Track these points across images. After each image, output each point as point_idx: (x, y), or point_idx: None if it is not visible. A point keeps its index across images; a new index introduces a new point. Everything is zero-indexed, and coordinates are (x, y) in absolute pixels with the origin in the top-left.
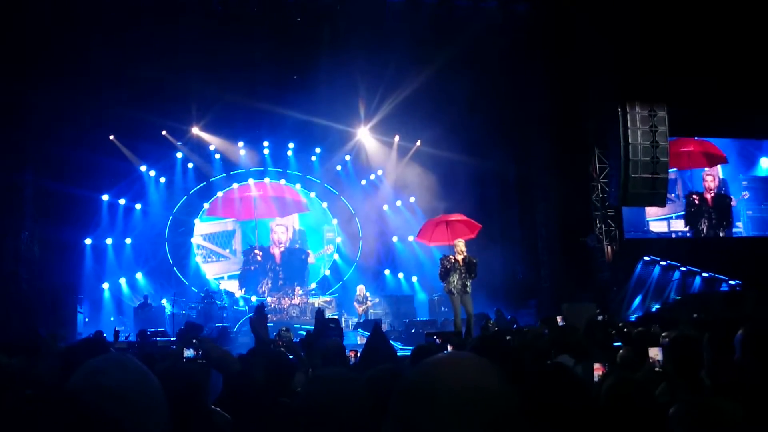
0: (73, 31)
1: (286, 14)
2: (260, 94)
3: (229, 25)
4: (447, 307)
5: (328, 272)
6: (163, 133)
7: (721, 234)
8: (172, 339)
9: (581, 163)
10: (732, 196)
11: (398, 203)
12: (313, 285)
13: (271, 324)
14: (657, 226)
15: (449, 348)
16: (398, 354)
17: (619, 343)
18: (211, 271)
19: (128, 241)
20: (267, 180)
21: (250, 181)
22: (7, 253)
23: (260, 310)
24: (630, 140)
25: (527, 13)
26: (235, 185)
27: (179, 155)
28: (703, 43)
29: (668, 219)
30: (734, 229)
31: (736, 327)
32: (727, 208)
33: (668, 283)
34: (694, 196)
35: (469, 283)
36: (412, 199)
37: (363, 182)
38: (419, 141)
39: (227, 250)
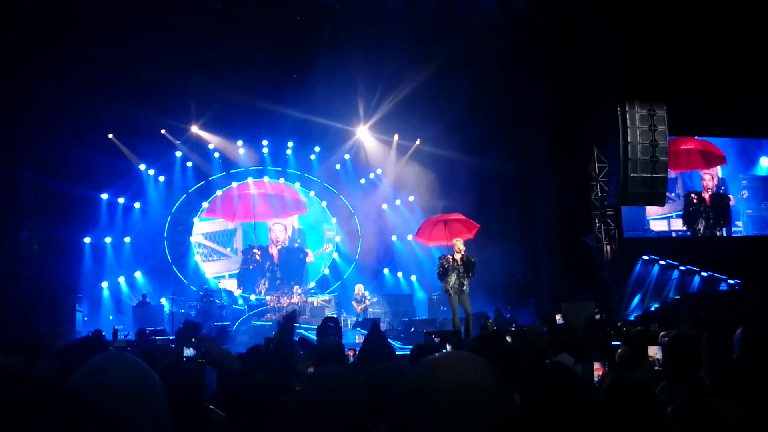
0: (72, 29)
1: (285, 13)
2: (259, 93)
3: (229, 24)
4: (446, 306)
5: (327, 271)
6: (162, 131)
7: (718, 233)
8: (171, 338)
9: (580, 162)
10: (730, 196)
11: (397, 202)
12: (312, 284)
13: (270, 323)
14: (657, 225)
15: (448, 347)
16: (397, 353)
17: (618, 343)
18: (211, 269)
19: (127, 239)
20: (266, 179)
21: (249, 179)
22: (6, 252)
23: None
24: (629, 139)
25: (526, 12)
26: (234, 184)
27: (178, 154)
28: (703, 42)
29: (668, 218)
30: (734, 228)
31: (735, 326)
32: (725, 207)
33: (667, 282)
34: (692, 196)
35: (466, 283)
36: (411, 198)
37: (362, 181)
38: (418, 140)
39: (228, 249)
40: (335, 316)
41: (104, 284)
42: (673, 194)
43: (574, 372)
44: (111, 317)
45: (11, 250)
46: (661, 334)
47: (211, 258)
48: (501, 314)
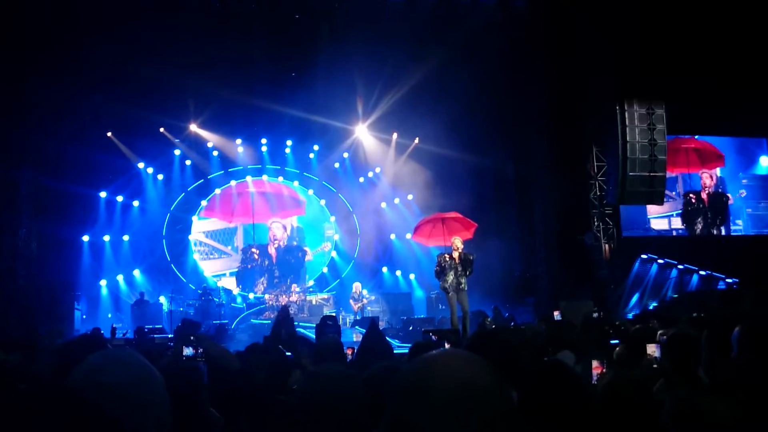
0: (71, 28)
1: (284, 12)
2: (258, 91)
3: (228, 22)
4: (444, 305)
5: (325, 270)
6: (161, 130)
7: (715, 232)
8: (169, 336)
9: (579, 161)
10: (729, 194)
11: (396, 201)
12: (311, 282)
13: (268, 322)
14: (658, 224)
15: (446, 346)
16: (395, 352)
17: (617, 341)
18: (212, 268)
19: (126, 238)
20: (265, 177)
21: (248, 178)
22: (5, 250)
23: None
24: (628, 138)
25: (526, 11)
26: (233, 182)
27: (177, 152)
28: (702, 41)
29: (669, 217)
30: (734, 227)
31: (734, 325)
32: (723, 206)
33: (665, 281)
34: (691, 196)
35: (464, 281)
36: (410, 197)
37: (361, 180)
38: (417, 138)
39: (229, 247)
40: (334, 314)
41: (103, 282)
42: (673, 193)
43: (573, 370)
44: (109, 315)
45: (10, 248)
46: (659, 332)
47: (212, 256)
48: (499, 313)
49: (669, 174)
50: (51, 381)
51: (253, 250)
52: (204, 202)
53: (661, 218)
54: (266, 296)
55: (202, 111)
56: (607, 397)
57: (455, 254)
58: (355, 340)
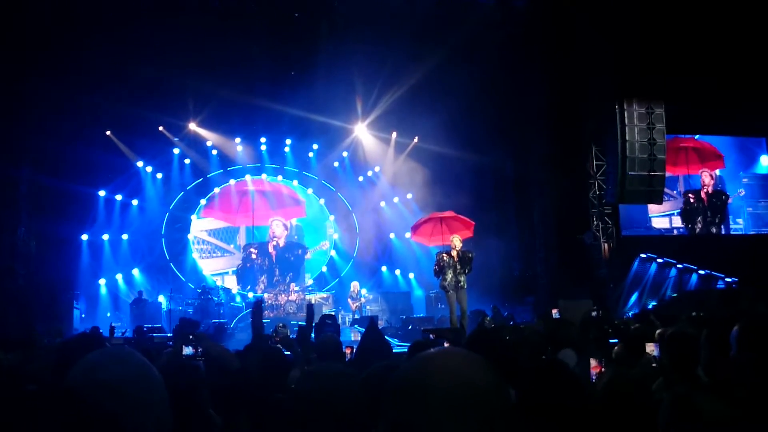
0: (70, 27)
1: (283, 10)
2: (257, 90)
3: (227, 20)
4: (444, 304)
5: (325, 269)
6: (160, 128)
7: (714, 230)
8: (168, 335)
9: (578, 160)
10: (727, 193)
11: (395, 200)
12: (310, 281)
13: (267, 320)
14: (659, 223)
15: (445, 345)
16: (394, 351)
17: (616, 340)
18: (214, 266)
19: (125, 237)
20: (264, 176)
21: (247, 177)
22: (4, 249)
23: (257, 305)
24: (627, 137)
25: (525, 10)
26: (232, 181)
27: (176, 151)
28: (701, 40)
29: (670, 215)
30: (735, 226)
31: (733, 324)
32: (722, 204)
33: (665, 280)
34: (690, 195)
35: (463, 279)
36: (409, 196)
37: (360, 179)
38: (417, 137)
39: (231, 246)
40: (333, 313)
41: (102, 281)
42: (674, 192)
43: (570, 369)
44: (108, 314)
45: (9, 246)
46: (658, 332)
47: (214, 254)
48: (499, 312)
49: (670, 174)
50: (50, 380)
51: (252, 249)
52: (203, 201)
53: (662, 217)
54: (265, 295)
55: (202, 110)
56: (606, 395)
57: (454, 253)
58: (353, 339)
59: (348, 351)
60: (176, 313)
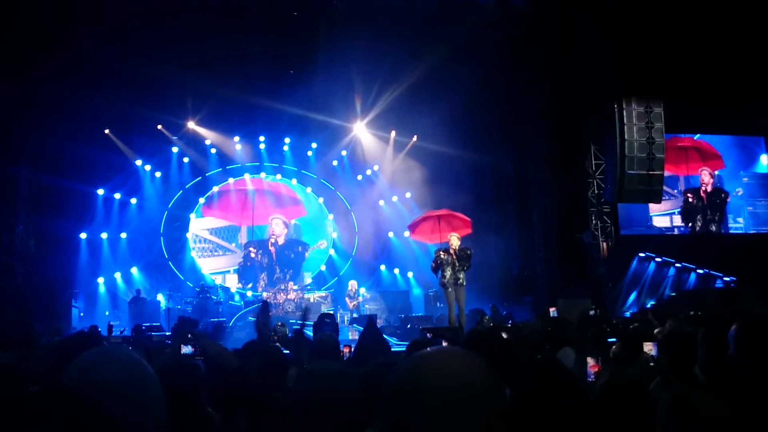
0: (69, 26)
1: (282, 9)
2: (256, 89)
3: (226, 19)
4: (442, 303)
5: (323, 267)
6: (159, 127)
7: (714, 228)
8: (167, 334)
9: (577, 159)
10: (726, 191)
11: (394, 198)
12: (309, 280)
13: None
14: (660, 222)
15: (444, 344)
16: (393, 350)
17: (614, 339)
18: (215, 265)
19: (123, 235)
20: (263, 175)
21: (246, 176)
22: (2, 248)
23: (264, 306)
24: (626, 136)
25: (525, 9)
26: (231, 180)
27: (175, 150)
28: (700, 39)
29: (671, 214)
30: (736, 225)
31: (731, 323)
32: (721, 202)
33: (663, 279)
34: (689, 194)
35: (462, 276)
36: (408, 195)
37: (359, 177)
38: (416, 136)
39: (233, 244)
40: (331, 312)
41: (100, 280)
42: (675, 191)
43: (567, 368)
44: (107, 313)
45: (7, 245)
46: (656, 331)
47: (216, 253)
48: (497, 311)
49: (671, 173)
50: (48, 379)
51: (251, 248)
52: (202, 200)
53: (663, 216)
54: (264, 294)
55: (200, 108)
56: (604, 395)
57: (452, 250)
58: (351, 338)
59: (346, 350)
60: (175, 311)
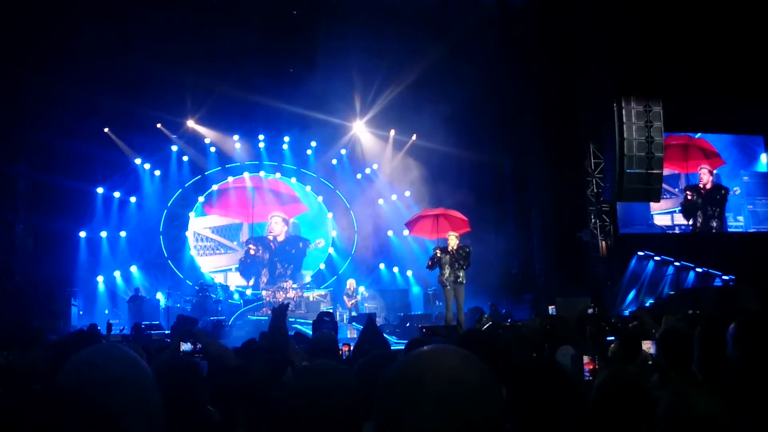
0: (68, 23)
1: (282, 7)
2: (256, 87)
3: (225, 17)
4: (442, 301)
5: (323, 266)
6: (158, 125)
7: (715, 224)
8: (166, 332)
9: (576, 158)
10: (727, 187)
11: (393, 197)
12: (308, 278)
13: (265, 318)
14: (661, 220)
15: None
16: (392, 348)
17: (613, 338)
18: (217, 263)
19: (123, 234)
20: (262, 173)
21: (246, 174)
22: (1, 247)
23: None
24: (625, 135)
25: (524, 7)
26: (230, 178)
27: (174, 148)
28: (700, 38)
29: (672, 213)
30: (736, 223)
31: (727, 322)
32: (721, 198)
33: (662, 278)
34: (688, 192)
35: (461, 274)
36: (407, 193)
37: (358, 176)
38: (415, 135)
39: (235, 242)
40: (331, 311)
41: (99, 278)
42: (676, 189)
43: (563, 367)
44: (106, 311)
45: (6, 244)
46: (653, 331)
47: (217, 251)
48: (496, 310)
49: (671, 172)
50: (43, 377)
51: (252, 245)
52: (201, 198)
53: (664, 214)
54: (263, 292)
55: (200, 107)
56: (600, 393)
57: (449, 248)
58: (350, 336)
59: (345, 348)
60: (174, 310)
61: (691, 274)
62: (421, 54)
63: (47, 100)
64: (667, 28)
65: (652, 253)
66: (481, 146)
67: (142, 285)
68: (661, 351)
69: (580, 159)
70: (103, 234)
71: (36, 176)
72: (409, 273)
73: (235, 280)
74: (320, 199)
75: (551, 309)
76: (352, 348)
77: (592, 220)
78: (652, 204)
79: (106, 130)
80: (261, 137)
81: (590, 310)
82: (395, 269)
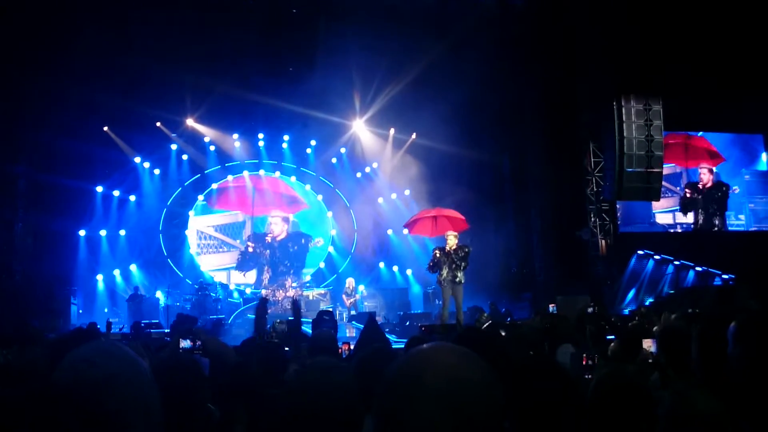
0: (67, 21)
1: (281, 6)
2: (255, 86)
3: (225, 16)
4: (441, 300)
5: (322, 264)
6: (158, 124)
7: (717, 222)
8: (166, 331)
9: (576, 156)
10: (728, 184)
11: (393, 196)
12: (308, 277)
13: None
14: (662, 218)
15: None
16: (392, 346)
17: (613, 336)
18: (220, 261)
19: (122, 232)
20: (262, 172)
21: (245, 173)
22: (1, 245)
23: (262, 303)
24: (625, 134)
25: (524, 7)
26: (230, 177)
27: (174, 147)
28: (700, 37)
29: (673, 211)
30: (737, 222)
31: (726, 320)
32: (722, 195)
33: (662, 276)
34: (687, 190)
35: (460, 274)
36: (407, 192)
37: (358, 175)
38: (414, 134)
39: (237, 241)
40: (330, 309)
41: (99, 277)
42: (678, 188)
43: (561, 365)
44: (106, 310)
45: (6, 242)
46: (655, 328)
47: (220, 250)
48: (496, 309)
49: (672, 170)
50: (41, 375)
51: (249, 243)
52: (201, 197)
53: (666, 213)
54: (263, 291)
55: (199, 105)
56: (598, 391)
57: (448, 248)
58: (349, 335)
59: (345, 347)
60: (174, 308)
61: (691, 273)
62: (421, 53)
63: (47, 99)
64: (667, 27)
65: (652, 252)
66: (480, 145)
67: (141, 284)
68: (661, 349)
69: (580, 158)
70: (103, 233)
71: (35, 175)
72: (409, 272)
73: (237, 278)
74: (320, 197)
75: (552, 307)
76: (351, 347)
77: (592, 219)
78: (653, 202)
79: (105, 128)
80: (261, 136)
81: (590, 309)
82: (395, 268)
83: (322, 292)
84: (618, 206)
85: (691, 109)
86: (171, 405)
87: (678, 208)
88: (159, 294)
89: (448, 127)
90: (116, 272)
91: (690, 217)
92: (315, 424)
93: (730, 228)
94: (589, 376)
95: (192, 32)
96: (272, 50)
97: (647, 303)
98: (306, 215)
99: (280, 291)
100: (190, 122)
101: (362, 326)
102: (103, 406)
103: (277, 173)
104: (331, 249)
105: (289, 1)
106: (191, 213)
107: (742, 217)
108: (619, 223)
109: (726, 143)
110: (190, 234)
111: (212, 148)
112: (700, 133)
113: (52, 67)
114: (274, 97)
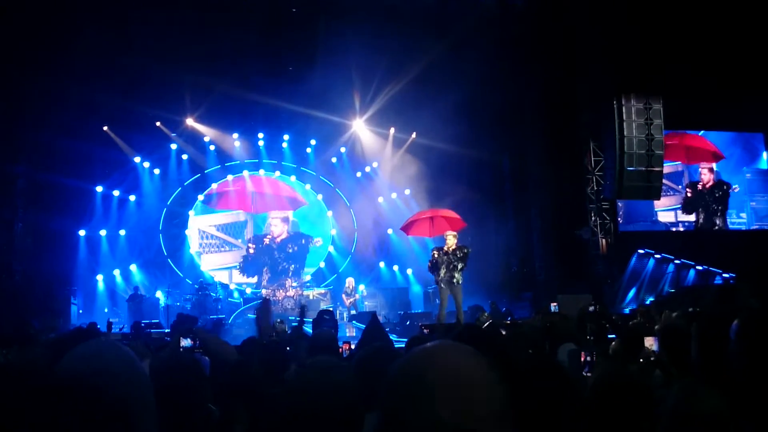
0: (67, 21)
1: (281, 5)
2: (255, 86)
3: (225, 16)
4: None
5: (323, 264)
6: (158, 124)
7: (719, 221)
8: (166, 331)
9: (576, 155)
10: (729, 183)
11: (393, 195)
12: (308, 277)
13: None
14: (665, 217)
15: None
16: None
17: (614, 335)
18: (222, 261)
19: (122, 232)
20: (261, 171)
21: (245, 173)
22: (1, 245)
23: (265, 303)
24: (625, 133)
25: (524, 6)
26: (230, 177)
27: (173, 146)
28: (700, 36)
29: (675, 210)
30: (738, 220)
31: (726, 319)
32: (723, 194)
33: (662, 275)
34: (688, 189)
35: (457, 275)
36: (407, 191)
37: (358, 174)
38: (414, 133)
39: (239, 240)
40: (331, 309)
41: (99, 277)
42: (679, 186)
43: (560, 364)
44: (106, 310)
45: (6, 242)
46: (656, 327)
47: (222, 249)
48: (497, 308)
49: (673, 168)
50: (40, 374)
51: (250, 245)
52: (200, 197)
53: (668, 211)
54: (263, 291)
55: (199, 105)
56: (596, 389)
57: (446, 248)
58: (349, 335)
59: (345, 347)
60: (174, 308)
61: (692, 272)
62: (421, 52)
63: (47, 99)
64: (667, 27)
65: (653, 251)
66: (481, 144)
67: (141, 283)
68: (662, 348)
69: (580, 157)
70: (103, 232)
71: (35, 175)
72: (409, 271)
73: (239, 278)
74: (320, 197)
75: (553, 306)
76: (351, 346)
77: (592, 218)
78: (656, 201)
79: (105, 128)
80: (260, 135)
81: (591, 308)
82: (395, 267)
83: (323, 291)
84: (620, 204)
85: (691, 108)
86: (171, 404)
87: (679, 206)
88: (159, 294)
89: (448, 126)
90: (116, 272)
91: (692, 216)
92: (315, 424)
93: (731, 227)
94: (588, 372)
95: (192, 32)
96: (272, 50)
97: (648, 302)
98: (306, 215)
99: (281, 291)
100: (189, 122)
101: (362, 326)
102: (103, 401)
103: (277, 173)
104: (331, 248)
105: (289, 1)
106: (191, 213)
107: (743, 215)
108: (621, 221)
109: (726, 142)
110: (191, 233)
111: (212, 147)
112: (701, 132)
113: (52, 67)
114: (274, 96)
